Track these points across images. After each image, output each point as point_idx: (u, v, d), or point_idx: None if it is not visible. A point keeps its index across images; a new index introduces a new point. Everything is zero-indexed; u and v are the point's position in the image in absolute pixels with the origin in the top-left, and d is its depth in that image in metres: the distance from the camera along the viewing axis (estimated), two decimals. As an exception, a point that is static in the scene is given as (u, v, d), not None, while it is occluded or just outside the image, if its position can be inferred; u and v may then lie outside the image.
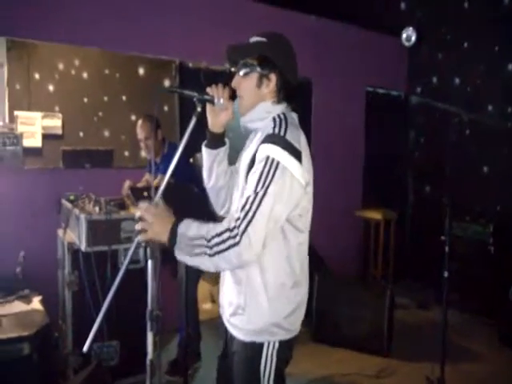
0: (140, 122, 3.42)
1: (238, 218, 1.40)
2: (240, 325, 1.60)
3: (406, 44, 5.54)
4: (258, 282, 1.55)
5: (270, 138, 1.48)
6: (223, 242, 1.39)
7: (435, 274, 3.41)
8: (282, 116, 1.56)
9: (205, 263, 1.43)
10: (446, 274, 3.05)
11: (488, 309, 4.31)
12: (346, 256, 5.23)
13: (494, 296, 4.17)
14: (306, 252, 1.67)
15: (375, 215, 5.20)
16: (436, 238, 3.23)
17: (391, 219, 5.23)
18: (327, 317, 3.87)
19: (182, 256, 1.45)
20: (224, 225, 1.42)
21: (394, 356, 3.73)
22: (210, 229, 1.42)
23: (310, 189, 1.57)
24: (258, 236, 1.40)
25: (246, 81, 1.61)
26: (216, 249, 1.39)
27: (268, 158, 1.44)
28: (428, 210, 5.48)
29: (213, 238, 1.40)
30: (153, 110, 3.27)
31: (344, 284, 4.00)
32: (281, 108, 1.62)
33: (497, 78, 4.88)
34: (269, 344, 1.58)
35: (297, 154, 1.47)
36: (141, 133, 3.39)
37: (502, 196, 4.80)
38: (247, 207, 1.40)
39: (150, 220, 1.46)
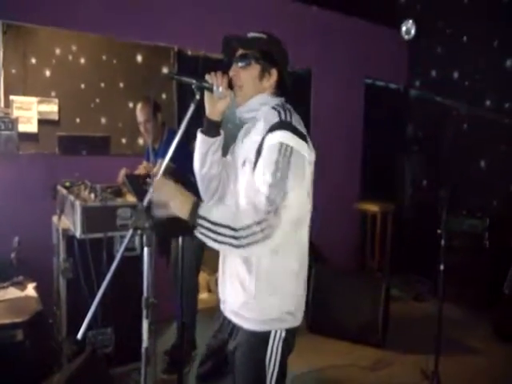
0: (140, 104, 3.36)
1: (266, 211, 1.41)
2: (250, 315, 1.59)
3: (406, 37, 5.52)
4: (268, 270, 1.56)
5: (279, 126, 1.51)
6: (253, 234, 1.40)
7: (431, 267, 3.42)
8: (282, 105, 1.61)
9: (231, 251, 1.50)
10: (441, 267, 3.06)
11: (483, 302, 4.33)
12: (343, 248, 5.23)
13: (490, 289, 4.19)
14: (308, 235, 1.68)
15: (372, 207, 5.20)
16: (432, 232, 3.23)
17: (388, 212, 5.23)
18: (323, 308, 3.88)
19: (204, 238, 1.46)
20: (251, 217, 1.41)
21: (388, 348, 3.73)
22: (236, 218, 1.43)
23: (313, 162, 1.61)
24: (281, 222, 1.43)
25: (246, 71, 1.62)
26: (244, 241, 1.40)
27: (282, 144, 1.47)
28: (425, 203, 5.48)
29: (241, 229, 1.40)
30: (151, 96, 3.24)
31: (340, 275, 4.00)
32: (278, 100, 1.65)
33: (495, 72, 4.86)
34: (276, 333, 1.58)
35: (304, 137, 1.53)
36: (141, 115, 3.34)
37: (499, 190, 4.81)
38: (272, 197, 1.42)
39: (169, 192, 1.51)
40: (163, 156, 1.58)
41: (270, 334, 1.58)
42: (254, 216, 1.41)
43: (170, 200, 1.49)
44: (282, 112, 1.56)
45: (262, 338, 1.58)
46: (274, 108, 1.58)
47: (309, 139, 1.57)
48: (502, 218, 4.56)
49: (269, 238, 1.40)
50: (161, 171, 1.56)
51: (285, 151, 1.46)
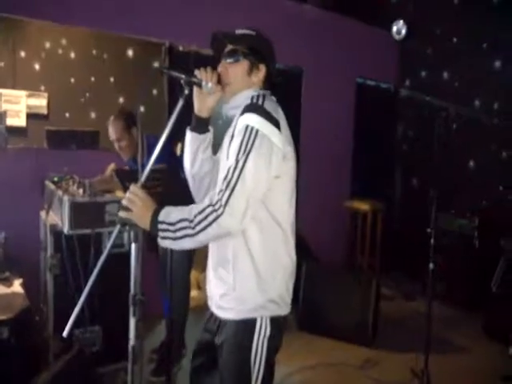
0: (111, 119, 3.04)
1: (221, 190, 1.42)
2: (230, 305, 1.59)
3: (397, 37, 5.56)
4: (245, 258, 1.55)
5: (247, 108, 1.52)
6: (206, 217, 1.41)
7: (421, 266, 3.43)
8: (259, 93, 1.60)
9: (186, 244, 1.46)
10: (431, 266, 3.07)
11: (473, 301, 4.36)
12: (333, 246, 5.23)
13: (479, 288, 4.21)
14: (292, 223, 1.65)
15: (363, 206, 5.20)
16: (422, 231, 3.23)
17: (378, 210, 5.24)
18: (313, 306, 3.87)
19: (165, 242, 1.48)
20: (206, 201, 1.44)
21: (378, 347, 3.74)
22: (192, 208, 1.45)
23: (291, 157, 1.57)
24: (241, 203, 1.42)
25: (234, 67, 1.63)
26: (198, 227, 1.42)
27: (247, 126, 1.46)
28: (415, 202, 5.51)
29: (195, 216, 1.42)
30: (140, 92, 3.19)
31: (330, 274, 3.99)
32: (262, 92, 1.64)
33: (484, 73, 4.90)
34: (261, 324, 1.56)
35: (275, 122, 1.50)
36: (112, 133, 3.03)
37: (488, 190, 4.84)
38: (229, 176, 1.42)
39: (137, 203, 1.49)
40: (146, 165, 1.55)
41: (254, 327, 1.56)
42: (208, 201, 1.43)
43: (136, 211, 1.49)
44: (255, 97, 1.56)
45: (246, 329, 1.57)
46: (251, 96, 1.58)
47: (283, 125, 1.54)
48: (491, 217, 4.58)
49: (222, 216, 1.39)
50: (141, 180, 1.55)
51: (249, 133, 1.45)
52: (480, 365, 3.56)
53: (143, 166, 1.58)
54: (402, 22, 5.48)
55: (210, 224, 1.40)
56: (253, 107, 1.51)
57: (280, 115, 1.56)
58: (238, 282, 1.57)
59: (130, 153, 3.09)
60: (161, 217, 1.46)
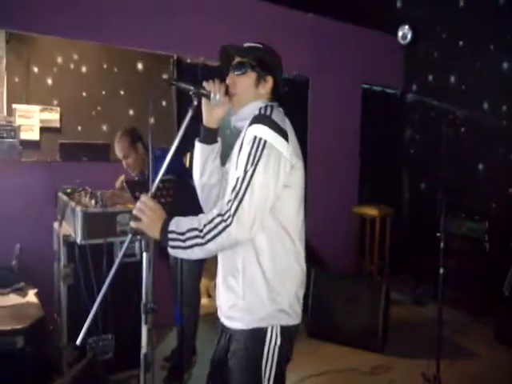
0: (116, 138, 3.17)
1: (229, 200, 1.44)
2: (239, 315, 1.59)
3: (402, 42, 5.58)
4: (254, 268, 1.56)
5: (256, 119, 1.53)
6: (215, 227, 1.43)
7: (431, 271, 3.43)
8: (268, 104, 1.62)
9: (196, 253, 1.48)
10: (441, 271, 3.06)
11: (484, 306, 4.33)
12: (342, 252, 5.23)
13: (490, 293, 4.18)
14: (301, 231, 1.66)
15: (371, 211, 5.21)
16: (431, 235, 3.24)
17: (387, 215, 5.24)
18: (323, 312, 3.88)
19: (175, 251, 1.49)
20: (214, 211, 1.46)
21: (389, 352, 3.73)
22: (202, 218, 1.47)
23: (299, 167, 1.58)
24: (250, 214, 1.43)
25: (242, 79, 1.65)
26: (208, 236, 1.43)
27: (255, 137, 1.48)
28: (423, 206, 5.49)
29: (205, 226, 1.44)
30: (150, 103, 3.24)
31: (340, 279, 3.99)
32: (269, 103, 1.66)
33: (492, 76, 4.88)
34: (271, 333, 1.57)
35: (283, 133, 1.52)
36: (119, 151, 3.16)
37: (497, 193, 4.82)
38: (238, 187, 1.44)
39: (147, 213, 1.51)
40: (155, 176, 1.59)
41: (265, 337, 1.56)
42: (217, 210, 1.45)
43: (146, 221, 1.51)
44: (263, 107, 1.58)
45: (256, 338, 1.57)
46: (260, 107, 1.60)
47: (291, 135, 1.56)
48: (502, 220, 4.56)
49: (230, 226, 1.41)
50: (152, 191, 1.57)
51: (257, 144, 1.47)
52: (492, 370, 3.54)
53: (152, 178, 1.61)
54: (407, 26, 5.50)
55: (219, 233, 1.42)
56: (261, 118, 1.53)
57: (288, 126, 1.58)
58: (248, 291, 1.57)
59: (137, 168, 3.20)
60: (171, 226, 1.48)
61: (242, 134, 1.59)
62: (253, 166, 1.45)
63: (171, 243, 1.48)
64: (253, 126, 1.51)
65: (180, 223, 1.49)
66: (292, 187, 1.57)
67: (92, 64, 5.26)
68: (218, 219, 1.43)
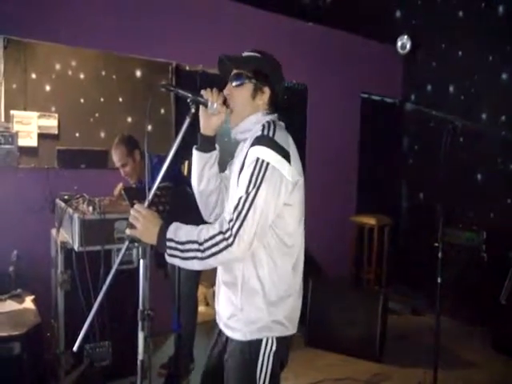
0: (113, 147, 3.19)
1: (231, 220, 1.45)
2: (238, 326, 1.62)
3: (401, 52, 5.61)
4: (253, 281, 1.58)
5: (258, 140, 1.53)
6: (216, 244, 1.44)
7: (428, 280, 3.42)
8: (270, 121, 1.61)
9: (195, 266, 1.49)
10: (439, 280, 3.06)
11: (481, 315, 4.32)
12: (340, 261, 5.23)
13: (487, 303, 4.18)
14: (301, 243, 1.68)
15: (369, 220, 5.21)
16: (429, 245, 3.24)
17: (385, 225, 5.25)
18: (320, 321, 3.87)
19: (173, 259, 1.50)
20: (216, 227, 1.46)
21: (386, 361, 3.73)
22: (202, 232, 1.47)
23: (301, 185, 1.60)
24: (251, 234, 1.45)
25: (239, 91, 1.65)
26: (208, 252, 1.45)
27: (258, 159, 1.49)
28: (422, 216, 5.51)
29: (206, 241, 1.45)
30: (148, 110, 3.25)
31: (338, 289, 4.00)
32: (270, 117, 1.66)
33: (491, 86, 4.91)
34: (266, 342, 1.59)
35: (285, 154, 1.52)
36: (116, 160, 3.18)
37: (495, 203, 4.83)
38: (239, 207, 1.45)
39: (140, 220, 1.52)
40: (152, 183, 1.60)
41: (260, 344, 1.59)
42: (218, 227, 1.46)
43: (140, 228, 1.52)
44: (266, 127, 1.56)
45: (252, 348, 1.60)
46: (262, 124, 1.60)
47: (293, 155, 1.56)
48: (499, 230, 4.57)
49: (232, 246, 1.43)
50: (148, 199, 1.58)
51: (260, 166, 1.47)
52: (489, 380, 3.54)
53: (149, 185, 1.62)
54: (406, 36, 5.54)
55: (220, 251, 1.44)
56: (264, 140, 1.52)
57: (291, 145, 1.57)
58: (246, 303, 1.59)
59: (135, 176, 3.22)
60: (169, 234, 1.49)
61: (245, 150, 1.58)
62: (255, 188, 1.46)
63: (169, 251, 1.49)
64: (255, 147, 1.51)
65: (178, 232, 1.49)
66: (293, 205, 1.59)
67: (90, 71, 5.26)
68: (220, 237, 1.44)
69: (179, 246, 1.47)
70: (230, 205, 1.54)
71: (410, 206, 5.87)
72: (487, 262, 4.47)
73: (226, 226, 1.44)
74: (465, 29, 5.15)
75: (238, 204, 1.46)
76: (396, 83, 5.89)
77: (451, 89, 5.31)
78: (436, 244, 3.08)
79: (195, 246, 1.45)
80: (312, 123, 5.13)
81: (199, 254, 1.45)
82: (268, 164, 1.48)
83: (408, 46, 5.55)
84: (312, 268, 4.43)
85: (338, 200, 5.34)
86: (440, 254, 3.06)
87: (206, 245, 1.44)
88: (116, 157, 3.17)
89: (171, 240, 1.48)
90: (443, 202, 3.09)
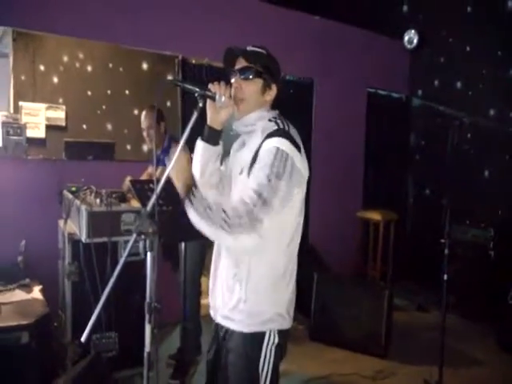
0: (145, 111, 3.41)
1: (252, 203, 1.45)
2: (240, 317, 1.63)
3: (408, 47, 5.58)
4: (258, 274, 1.60)
5: (277, 133, 1.56)
6: (239, 225, 1.44)
7: (435, 277, 3.42)
8: (279, 117, 1.66)
9: (223, 237, 1.48)
10: (445, 277, 3.06)
11: (487, 313, 4.29)
12: (346, 256, 5.22)
13: (494, 300, 4.16)
14: (299, 234, 1.70)
15: (375, 216, 5.20)
16: (436, 241, 3.23)
17: (391, 220, 5.24)
18: (325, 316, 3.87)
19: (195, 216, 1.49)
20: (239, 207, 1.46)
21: (391, 358, 3.72)
22: (229, 206, 1.48)
23: (306, 179, 1.64)
24: (270, 222, 1.47)
25: (249, 84, 1.66)
26: (234, 229, 1.44)
27: (278, 149, 1.51)
28: (428, 212, 5.49)
29: (232, 217, 1.44)
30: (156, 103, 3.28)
31: (343, 284, 3.99)
32: (273, 113, 1.69)
33: (499, 82, 4.87)
34: (270, 334, 1.62)
35: (299, 148, 1.58)
36: (144, 122, 3.39)
37: (503, 200, 4.80)
38: (261, 191, 1.46)
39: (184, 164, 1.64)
40: (165, 164, 1.61)
41: (264, 337, 1.62)
42: (242, 207, 1.45)
43: (179, 168, 1.59)
44: (280, 122, 1.60)
45: (255, 341, 1.62)
46: (270, 120, 1.62)
47: (302, 150, 1.60)
48: (507, 227, 4.54)
49: (254, 229, 1.44)
50: (164, 177, 1.57)
51: (281, 156, 1.50)
52: (494, 377, 3.53)
53: (158, 161, 1.60)
54: (413, 31, 5.51)
55: (242, 232, 1.44)
56: (282, 132, 1.55)
57: (299, 139, 1.61)
58: (250, 295, 1.61)
59: (155, 140, 3.36)
60: (198, 192, 1.53)
61: (253, 144, 1.60)
62: (277, 178, 1.48)
63: (194, 200, 1.50)
64: (274, 138, 1.53)
65: (208, 194, 1.57)
66: (298, 199, 1.62)
67: (97, 63, 5.28)
68: (243, 220, 1.44)
69: (207, 204, 1.48)
70: (249, 191, 1.51)
71: (417, 202, 5.84)
72: (494, 259, 4.44)
73: (248, 207, 1.44)
74: (473, 24, 5.10)
75: (262, 191, 1.46)
76: (403, 78, 5.85)
77: (459, 84, 5.27)
78: (442, 240, 3.08)
79: (223, 215, 1.44)
80: (318, 118, 5.11)
81: (226, 227, 1.44)
82: (288, 155, 1.51)
83: (415, 41, 5.52)
84: (317, 263, 4.43)
85: (344, 195, 5.33)
86: (446, 251, 3.05)
87: (233, 221, 1.44)
88: (145, 119, 3.37)
89: (199, 191, 1.53)
90: (450, 198, 3.07)
